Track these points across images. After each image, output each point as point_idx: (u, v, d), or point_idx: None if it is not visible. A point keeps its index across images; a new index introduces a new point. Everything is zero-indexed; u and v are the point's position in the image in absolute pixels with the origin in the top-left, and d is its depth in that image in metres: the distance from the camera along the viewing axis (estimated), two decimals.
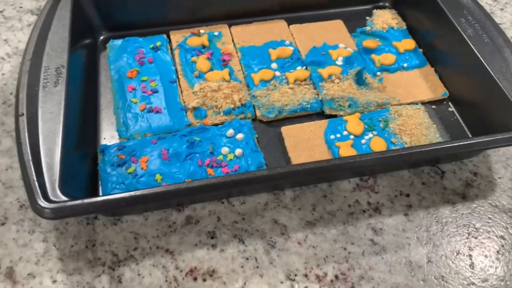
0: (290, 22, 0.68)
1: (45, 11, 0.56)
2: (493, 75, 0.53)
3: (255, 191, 0.50)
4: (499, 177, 0.53)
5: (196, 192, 0.42)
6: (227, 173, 0.50)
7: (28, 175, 0.41)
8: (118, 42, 0.63)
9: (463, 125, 0.58)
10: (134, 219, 0.48)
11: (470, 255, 0.47)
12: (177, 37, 0.65)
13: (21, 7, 0.70)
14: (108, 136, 0.55)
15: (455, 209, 0.51)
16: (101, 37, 0.65)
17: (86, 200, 0.40)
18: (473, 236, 0.49)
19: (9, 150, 0.53)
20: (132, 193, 0.41)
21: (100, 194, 0.49)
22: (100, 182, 0.50)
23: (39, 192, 0.40)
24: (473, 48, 0.55)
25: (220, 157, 0.52)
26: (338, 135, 0.54)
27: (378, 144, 0.53)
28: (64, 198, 0.41)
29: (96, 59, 0.63)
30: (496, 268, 0.47)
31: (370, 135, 0.54)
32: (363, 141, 0.53)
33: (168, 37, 0.65)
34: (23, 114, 0.46)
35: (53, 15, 0.56)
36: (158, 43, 0.63)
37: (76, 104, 0.52)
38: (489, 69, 0.53)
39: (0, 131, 0.55)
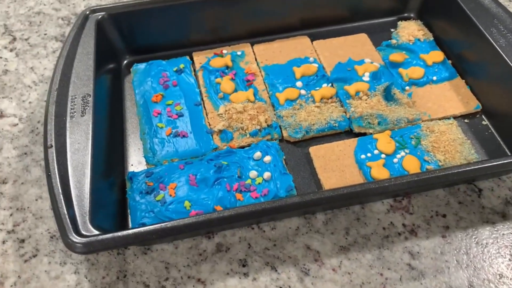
0: (313, 37, 0.67)
1: (69, 38, 0.57)
2: None
3: (285, 216, 0.49)
4: None
5: (226, 222, 0.41)
6: (256, 198, 0.49)
7: (59, 209, 0.41)
8: (142, 66, 0.63)
9: (499, 139, 0.55)
10: (164, 247, 0.48)
11: None
12: (200, 58, 0.64)
13: (45, 34, 0.70)
14: (136, 162, 0.55)
15: (495, 229, 0.49)
16: (125, 62, 0.66)
17: (117, 234, 0.40)
18: None
19: (38, 180, 0.53)
20: (162, 225, 0.40)
21: (130, 222, 0.49)
22: (129, 210, 0.49)
23: (70, 227, 0.40)
24: (507, 59, 0.53)
25: (249, 181, 0.51)
26: (369, 154, 0.52)
27: (411, 163, 0.51)
28: (95, 231, 0.40)
29: (121, 84, 0.63)
30: None
31: (402, 153, 0.52)
32: (395, 160, 0.52)
33: (191, 58, 0.65)
34: (52, 146, 0.46)
35: (77, 42, 0.56)
36: (182, 66, 0.62)
37: (103, 132, 0.52)
38: None
39: (29, 161, 0.55)
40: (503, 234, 0.48)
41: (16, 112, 0.60)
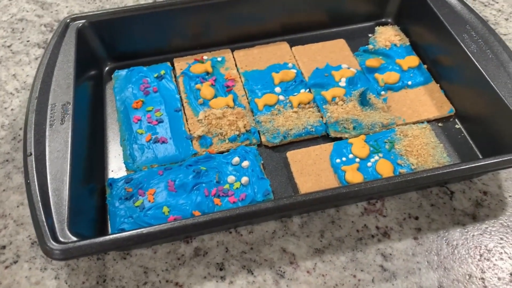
0: (292, 43, 0.68)
1: (50, 46, 0.57)
2: (499, 92, 0.52)
3: (262, 220, 0.50)
4: (510, 195, 0.53)
5: (202, 228, 0.42)
6: (234, 202, 0.51)
7: (37, 216, 0.42)
8: (123, 72, 0.64)
9: (471, 142, 0.57)
10: (144, 252, 0.49)
11: (482, 278, 0.47)
12: (181, 64, 0.65)
13: (28, 41, 0.71)
14: (116, 168, 0.55)
15: (466, 230, 0.50)
16: (106, 68, 0.66)
17: (94, 240, 0.41)
18: (485, 258, 0.48)
19: (19, 187, 0.54)
20: (139, 231, 0.41)
21: (109, 228, 0.50)
22: (108, 216, 0.50)
23: (48, 234, 0.41)
24: (477, 65, 0.55)
25: (227, 186, 0.52)
26: (344, 159, 0.54)
27: (384, 167, 0.52)
28: (73, 238, 0.41)
29: (102, 91, 0.64)
30: None
31: (376, 157, 0.54)
32: (369, 164, 0.53)
33: (172, 64, 0.66)
34: (31, 154, 0.47)
35: (58, 50, 0.57)
36: (163, 72, 0.63)
37: (83, 139, 0.53)
38: (494, 86, 0.53)
39: (11, 167, 0.56)
40: (473, 235, 0.50)
41: None
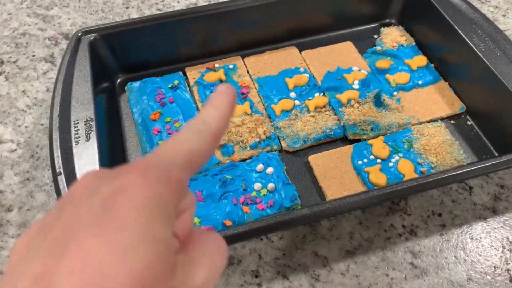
0: (300, 47, 0.69)
1: (65, 62, 0.57)
2: (510, 89, 0.54)
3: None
4: None
5: (243, 238, 0.43)
6: (263, 209, 0.51)
7: None
8: (137, 84, 0.64)
9: (484, 138, 0.59)
10: None
11: (508, 269, 0.49)
12: (193, 73, 0.66)
13: (33, 56, 0.70)
14: None
15: (487, 224, 0.52)
16: (118, 80, 0.66)
17: None
18: (508, 250, 0.50)
19: (44, 205, 0.54)
20: None
21: None
22: None
23: None
24: (487, 63, 0.57)
25: (254, 193, 0.53)
26: (365, 160, 0.55)
27: (405, 166, 0.54)
28: None
29: (117, 103, 0.64)
30: None
31: (397, 157, 0.55)
32: (390, 164, 0.55)
33: (184, 74, 0.66)
34: (61, 173, 0.47)
35: (73, 66, 0.57)
36: (176, 82, 0.64)
37: (107, 154, 0.53)
38: (505, 83, 0.55)
39: (32, 186, 0.55)
40: (495, 228, 0.52)
41: (13, 137, 0.60)
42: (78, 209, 0.19)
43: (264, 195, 0.53)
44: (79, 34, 0.60)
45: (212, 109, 0.25)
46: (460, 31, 0.60)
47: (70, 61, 0.57)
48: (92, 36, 0.60)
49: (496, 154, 0.57)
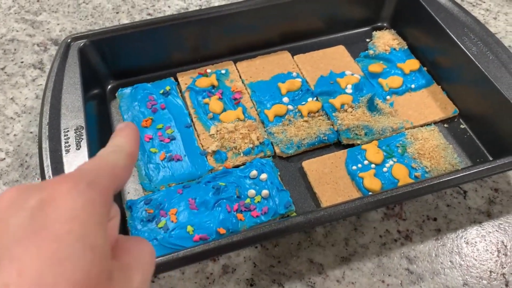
0: (292, 52, 0.69)
1: (54, 69, 0.56)
2: (503, 93, 0.54)
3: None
4: None
5: (237, 247, 0.42)
6: (257, 216, 0.51)
7: None
8: (127, 90, 0.63)
9: (477, 141, 0.59)
10: (171, 274, 0.48)
11: (503, 274, 0.49)
12: (185, 79, 0.65)
13: (22, 62, 0.69)
14: (132, 189, 0.55)
15: (482, 228, 0.52)
16: (109, 87, 0.65)
17: None
18: (503, 254, 0.50)
19: None
20: (170, 257, 0.41)
21: None
22: None
23: None
24: (480, 67, 0.56)
25: (248, 200, 0.52)
26: (360, 165, 0.55)
27: (400, 171, 0.54)
28: None
29: (107, 110, 0.63)
30: None
31: (391, 162, 0.55)
32: (384, 169, 0.54)
33: (176, 79, 0.65)
34: None
35: (62, 72, 0.56)
36: (168, 88, 0.63)
37: None
38: (498, 86, 0.55)
39: None
40: (490, 232, 0.52)
41: (1, 146, 0.59)
42: (6, 225, 0.19)
43: (258, 202, 0.52)
44: (69, 41, 0.59)
45: (118, 137, 0.26)
46: (452, 35, 0.60)
47: (59, 68, 0.56)
48: (81, 42, 0.59)
49: (490, 158, 0.57)
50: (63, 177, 0.21)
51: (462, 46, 0.59)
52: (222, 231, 0.49)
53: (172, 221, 0.50)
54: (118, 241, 0.24)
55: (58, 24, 0.75)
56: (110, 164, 0.24)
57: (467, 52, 0.58)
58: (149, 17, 0.76)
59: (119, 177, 0.24)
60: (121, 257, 0.22)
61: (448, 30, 0.61)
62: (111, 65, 0.64)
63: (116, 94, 0.63)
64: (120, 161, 0.24)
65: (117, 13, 0.77)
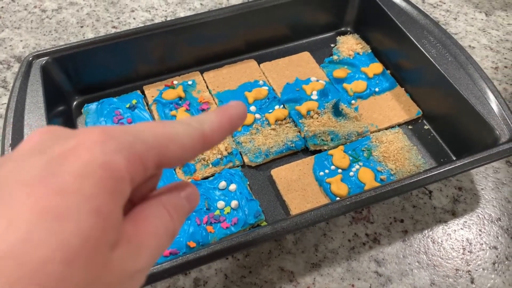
0: (258, 59, 0.70)
1: (15, 89, 0.55)
2: (462, 93, 0.55)
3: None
4: (482, 188, 0.56)
5: (206, 261, 0.42)
6: (227, 228, 0.51)
7: None
8: (93, 106, 0.62)
9: (441, 141, 0.60)
10: None
11: (469, 271, 0.50)
12: (151, 91, 0.65)
13: None
14: None
15: (447, 226, 0.53)
16: (74, 103, 0.65)
17: None
18: (468, 251, 0.51)
19: None
20: None
21: None
22: None
23: None
24: (439, 69, 0.58)
25: (217, 212, 0.52)
26: (327, 171, 0.55)
27: (366, 175, 0.55)
28: None
29: (74, 127, 0.62)
30: (495, 280, 0.49)
31: (357, 166, 0.56)
32: (351, 173, 0.55)
33: (142, 92, 0.65)
34: None
35: (25, 92, 0.55)
36: (134, 101, 0.63)
37: None
38: (457, 87, 0.56)
39: None
40: (455, 230, 0.53)
41: None
42: (20, 166, 0.17)
43: (227, 213, 0.52)
44: (30, 59, 0.58)
45: (213, 115, 0.24)
46: (412, 38, 0.61)
47: (21, 87, 0.56)
48: (44, 60, 0.59)
49: (453, 157, 0.59)
50: (96, 128, 0.19)
51: (422, 49, 0.60)
52: (192, 244, 0.49)
53: None
54: (149, 201, 0.21)
55: (21, 41, 0.74)
56: (167, 134, 0.21)
57: (427, 55, 0.60)
58: (114, 30, 0.76)
59: (172, 151, 0.21)
60: (140, 226, 0.20)
61: (408, 34, 0.62)
62: (75, 81, 0.63)
63: (82, 110, 0.62)
64: (184, 137, 0.21)
65: (82, 27, 0.76)
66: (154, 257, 0.20)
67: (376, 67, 0.67)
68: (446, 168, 0.49)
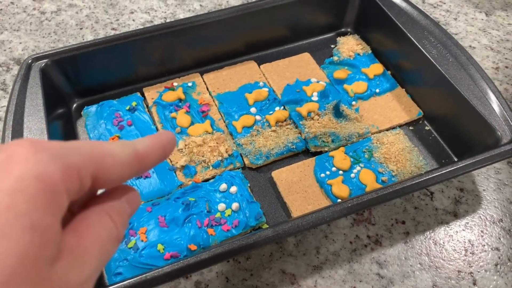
0: (259, 61, 0.69)
1: (15, 91, 0.55)
2: (463, 94, 0.55)
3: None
4: (483, 189, 0.56)
5: (207, 264, 0.42)
6: (228, 230, 0.51)
7: None
8: (93, 108, 0.62)
9: (442, 142, 0.60)
10: None
11: (471, 273, 0.50)
12: (151, 93, 0.64)
13: None
14: None
15: (449, 228, 0.53)
16: (74, 105, 0.64)
17: None
18: (470, 252, 0.51)
19: None
20: (139, 279, 0.41)
21: (104, 273, 0.48)
22: None
23: None
24: (440, 69, 0.58)
25: (218, 214, 0.52)
26: (328, 173, 0.55)
27: (367, 177, 0.54)
28: None
29: (73, 129, 0.62)
30: (497, 282, 0.49)
31: (358, 168, 0.56)
32: (352, 175, 0.55)
33: (142, 94, 0.65)
34: None
35: (24, 94, 0.55)
36: (134, 103, 0.62)
37: None
38: (458, 88, 0.56)
39: None
40: (457, 231, 0.53)
41: None
42: None
43: (228, 215, 0.52)
44: (29, 61, 0.58)
45: (145, 138, 0.25)
46: (412, 38, 0.61)
47: (21, 90, 0.55)
48: (43, 62, 0.58)
49: (455, 158, 0.58)
50: (26, 140, 0.18)
51: (422, 50, 0.60)
52: (193, 247, 0.49)
53: (142, 240, 0.50)
54: (83, 211, 0.21)
55: (20, 43, 0.74)
56: (104, 150, 0.21)
57: (428, 55, 0.59)
58: (113, 32, 0.76)
59: (107, 164, 0.21)
60: (79, 234, 0.20)
61: (408, 34, 0.62)
62: (75, 83, 0.63)
63: (82, 113, 0.62)
64: (120, 154, 0.21)
65: (81, 29, 0.76)
66: (100, 264, 0.20)
67: (376, 68, 0.67)
68: (447, 170, 0.48)
